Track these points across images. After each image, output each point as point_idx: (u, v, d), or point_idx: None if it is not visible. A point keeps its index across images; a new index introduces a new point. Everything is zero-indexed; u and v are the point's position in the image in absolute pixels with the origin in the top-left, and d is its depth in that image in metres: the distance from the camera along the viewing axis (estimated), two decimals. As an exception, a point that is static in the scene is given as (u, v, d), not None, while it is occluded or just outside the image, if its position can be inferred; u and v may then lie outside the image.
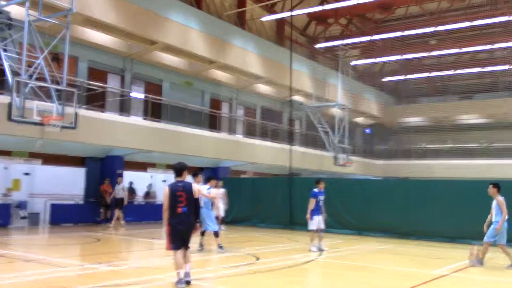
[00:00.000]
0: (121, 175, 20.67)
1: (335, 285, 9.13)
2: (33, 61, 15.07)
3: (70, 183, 21.60)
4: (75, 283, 8.22)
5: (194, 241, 10.04)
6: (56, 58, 18.52)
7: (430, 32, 32.33)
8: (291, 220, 20.32)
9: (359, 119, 40.04)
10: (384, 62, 41.53)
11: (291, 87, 26.63)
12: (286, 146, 26.54)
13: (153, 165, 24.05)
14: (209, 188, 12.44)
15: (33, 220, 19.82)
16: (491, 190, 11.51)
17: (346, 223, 18.91)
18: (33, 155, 19.42)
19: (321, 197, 13.40)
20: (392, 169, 37.10)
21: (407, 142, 39.99)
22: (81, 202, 21.04)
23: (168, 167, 23.67)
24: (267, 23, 32.53)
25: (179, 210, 7.91)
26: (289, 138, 28.33)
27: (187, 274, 8.06)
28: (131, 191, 23.76)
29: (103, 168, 21.32)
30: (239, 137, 26.91)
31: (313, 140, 31.28)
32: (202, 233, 12.72)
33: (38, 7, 15.30)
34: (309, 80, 30.87)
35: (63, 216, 19.88)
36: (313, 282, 9.96)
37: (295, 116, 33.36)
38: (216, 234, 12.61)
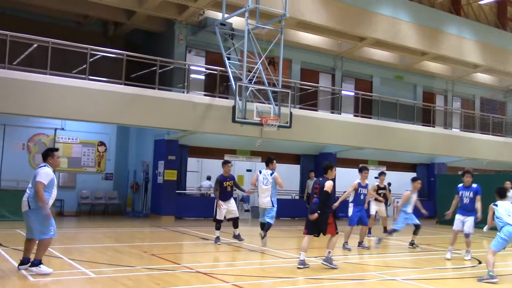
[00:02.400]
0: (312, 170, 21.03)
1: None
2: (252, 66, 16.41)
3: (287, 179, 22.82)
4: (293, 274, 8.71)
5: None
6: (272, 62, 19.84)
7: None
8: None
9: None
10: None
11: (517, 73, 24.06)
12: (512, 140, 24.09)
13: (365, 162, 24.02)
14: (272, 173, 12.55)
15: (255, 213, 21.49)
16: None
17: None
18: (254, 153, 21.05)
19: (465, 193, 11.19)
20: None
21: None
22: (297, 197, 22.10)
23: (380, 163, 23.44)
24: (486, 6, 29.80)
25: (313, 200, 9.54)
26: (516, 131, 25.62)
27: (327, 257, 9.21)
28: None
29: (316, 165, 22.05)
30: (455, 131, 25.28)
31: (546, 133, 27.74)
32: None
33: (256, 16, 16.58)
34: (539, 65, 27.44)
35: (282, 210, 21.04)
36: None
37: (522, 106, 30.01)
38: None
